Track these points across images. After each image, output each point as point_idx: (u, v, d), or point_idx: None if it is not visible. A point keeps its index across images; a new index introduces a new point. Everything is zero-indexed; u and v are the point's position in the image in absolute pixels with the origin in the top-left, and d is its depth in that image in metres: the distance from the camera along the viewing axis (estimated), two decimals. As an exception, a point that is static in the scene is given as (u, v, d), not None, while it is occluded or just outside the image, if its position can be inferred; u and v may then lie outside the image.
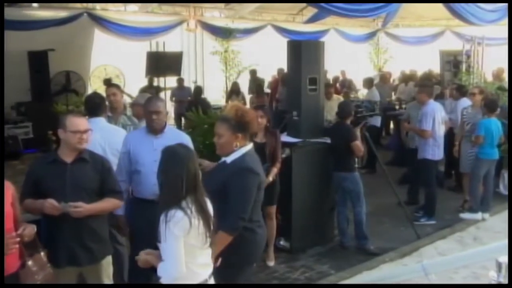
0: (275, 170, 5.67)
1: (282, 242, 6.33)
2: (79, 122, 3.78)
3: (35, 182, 3.73)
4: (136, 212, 4.43)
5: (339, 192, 6.53)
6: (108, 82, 13.60)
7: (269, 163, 5.64)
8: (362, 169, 7.38)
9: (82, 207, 3.64)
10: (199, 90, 12.80)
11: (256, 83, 14.57)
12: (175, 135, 4.57)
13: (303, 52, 6.22)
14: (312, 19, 15.80)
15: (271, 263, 5.99)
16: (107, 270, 4.04)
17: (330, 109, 8.96)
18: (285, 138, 6.23)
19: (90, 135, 3.87)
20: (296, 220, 6.26)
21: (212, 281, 3.21)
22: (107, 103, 5.44)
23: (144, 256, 3.12)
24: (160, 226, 2.95)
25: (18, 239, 3.18)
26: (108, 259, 4.05)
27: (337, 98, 9.57)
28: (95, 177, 3.84)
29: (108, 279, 4.06)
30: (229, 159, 3.71)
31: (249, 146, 3.75)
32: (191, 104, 11.95)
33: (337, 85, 14.42)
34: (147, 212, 4.35)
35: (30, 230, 3.32)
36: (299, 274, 5.83)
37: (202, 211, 3.01)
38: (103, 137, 4.64)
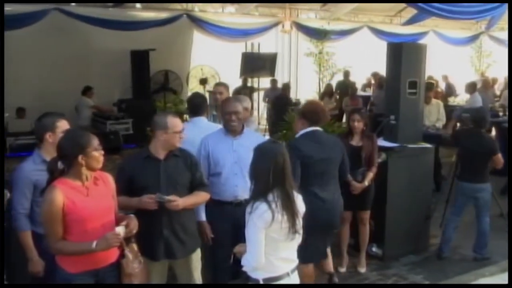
0: (371, 175, 5.57)
1: (374, 249, 6.19)
2: (178, 122, 3.92)
3: (129, 179, 3.83)
4: (216, 214, 4.42)
5: (459, 202, 6.22)
6: (204, 82, 14.00)
7: (365, 167, 5.55)
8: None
9: (178, 201, 3.75)
10: (286, 87, 12.92)
11: (345, 85, 14.38)
12: (253, 136, 4.59)
13: (404, 54, 6.03)
14: (411, 21, 15.35)
15: (363, 269, 5.88)
16: (196, 263, 4.14)
17: (429, 114, 8.68)
18: (381, 142, 6.08)
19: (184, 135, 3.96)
20: (390, 226, 6.09)
21: (294, 276, 3.30)
22: (211, 101, 5.55)
23: (238, 248, 3.31)
24: (246, 217, 3.13)
25: (120, 235, 3.27)
26: (198, 252, 4.15)
27: (436, 103, 9.22)
28: (186, 172, 3.96)
29: (196, 272, 4.15)
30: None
31: (309, 129, 4.65)
32: (277, 99, 12.08)
33: (438, 89, 13.94)
34: (227, 214, 4.40)
35: (135, 222, 3.44)
36: (391, 283, 5.66)
37: (287, 206, 3.11)
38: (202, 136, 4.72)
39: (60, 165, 3.27)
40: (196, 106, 5.16)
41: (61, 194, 3.18)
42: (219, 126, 5.26)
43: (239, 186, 4.34)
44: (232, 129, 4.46)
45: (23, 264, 3.77)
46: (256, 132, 5.09)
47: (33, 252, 3.74)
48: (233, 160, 4.40)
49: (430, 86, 12.35)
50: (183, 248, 3.97)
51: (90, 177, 3.34)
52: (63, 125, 3.86)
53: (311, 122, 4.66)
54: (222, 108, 4.61)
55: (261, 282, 3.18)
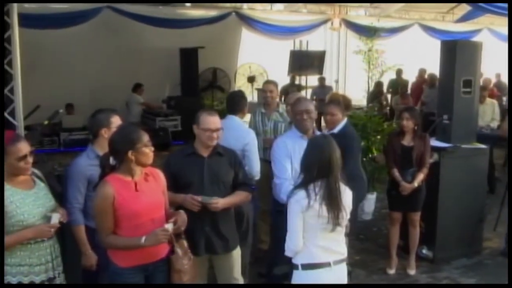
0: (421, 176, 5.44)
1: (424, 251, 6.05)
2: (210, 120, 3.86)
3: (174, 175, 3.82)
4: (279, 212, 4.33)
5: None
6: (252, 80, 14.02)
7: (415, 167, 5.43)
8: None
9: (219, 203, 3.77)
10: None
11: (397, 84, 14.12)
12: None
13: (458, 52, 5.86)
14: (465, 18, 14.90)
15: (412, 271, 5.76)
16: (236, 260, 4.15)
17: (483, 114, 8.43)
18: (434, 142, 5.92)
19: (221, 133, 3.93)
20: (441, 229, 5.95)
21: (338, 269, 3.36)
22: (260, 99, 5.54)
23: None
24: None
25: (169, 232, 3.29)
26: (238, 250, 4.16)
27: (491, 102, 8.94)
28: (229, 170, 3.97)
29: (236, 268, 4.15)
30: (336, 130, 4.96)
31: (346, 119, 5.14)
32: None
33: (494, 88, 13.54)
34: None
35: (184, 219, 3.45)
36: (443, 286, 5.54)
37: (329, 197, 3.22)
38: (227, 135, 4.52)
39: (112, 160, 3.32)
40: (230, 104, 5.15)
41: (112, 189, 3.23)
42: (245, 129, 5.14)
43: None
44: (305, 128, 4.36)
45: (75, 258, 3.86)
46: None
47: (86, 246, 3.82)
48: None
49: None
50: (224, 244, 3.99)
51: (141, 173, 3.38)
52: (116, 120, 3.92)
53: (347, 112, 5.46)
54: (293, 107, 4.52)
55: (300, 268, 3.31)
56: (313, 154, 3.31)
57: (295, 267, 3.34)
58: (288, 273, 3.46)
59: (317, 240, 3.27)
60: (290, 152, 4.32)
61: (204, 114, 3.90)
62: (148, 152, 3.33)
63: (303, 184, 3.27)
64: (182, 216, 3.46)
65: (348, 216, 3.35)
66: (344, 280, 3.42)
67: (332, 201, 3.22)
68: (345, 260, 3.43)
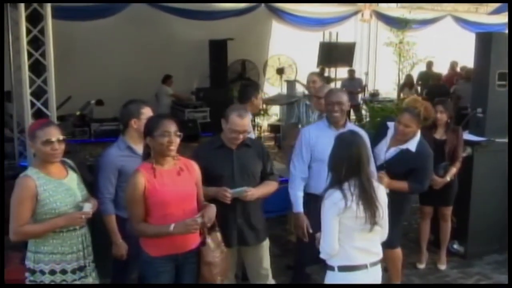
0: (454, 170, 5.34)
1: (455, 246, 5.97)
2: (239, 122, 3.77)
3: (203, 168, 3.76)
4: (308, 208, 4.29)
5: None
6: (281, 72, 13.95)
7: (448, 161, 5.34)
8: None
9: (253, 192, 3.78)
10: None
11: (428, 76, 13.90)
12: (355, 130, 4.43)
13: (494, 45, 5.73)
14: (499, 10, 14.58)
15: (443, 266, 5.70)
16: (265, 252, 4.13)
17: (518, 107, 8.22)
18: (467, 136, 5.82)
19: (246, 135, 3.91)
20: (473, 223, 5.85)
21: (374, 270, 3.25)
22: (290, 91, 5.51)
23: (318, 235, 3.31)
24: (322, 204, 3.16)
25: (199, 223, 3.29)
26: (267, 241, 4.14)
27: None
28: (258, 161, 3.97)
29: (266, 260, 4.13)
30: (411, 146, 4.56)
31: (419, 133, 4.65)
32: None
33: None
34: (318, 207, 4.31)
35: (212, 212, 3.43)
36: (473, 282, 5.44)
37: (364, 196, 3.08)
38: None
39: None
40: (239, 94, 5.18)
41: (143, 178, 3.26)
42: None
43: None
44: (334, 120, 4.28)
45: (105, 248, 3.89)
46: (357, 127, 4.87)
47: (117, 235, 3.85)
48: None
49: None
50: (255, 236, 4.00)
51: (173, 163, 3.39)
52: (147, 111, 3.92)
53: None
54: (325, 98, 4.47)
55: (336, 270, 3.19)
56: (341, 152, 3.14)
57: (331, 268, 3.21)
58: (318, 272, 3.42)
59: (354, 241, 3.14)
60: (312, 139, 4.29)
61: (234, 114, 3.78)
62: (164, 142, 3.26)
63: (335, 183, 3.12)
64: (210, 210, 3.43)
65: (386, 213, 3.21)
66: (379, 282, 3.32)
67: (368, 200, 3.08)
68: (380, 261, 3.33)
